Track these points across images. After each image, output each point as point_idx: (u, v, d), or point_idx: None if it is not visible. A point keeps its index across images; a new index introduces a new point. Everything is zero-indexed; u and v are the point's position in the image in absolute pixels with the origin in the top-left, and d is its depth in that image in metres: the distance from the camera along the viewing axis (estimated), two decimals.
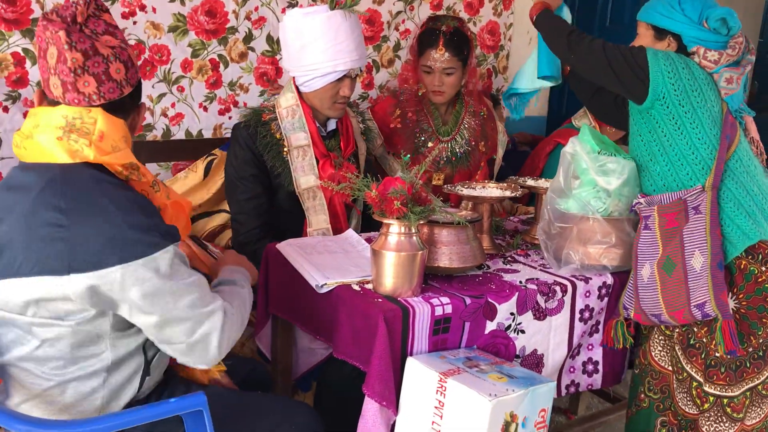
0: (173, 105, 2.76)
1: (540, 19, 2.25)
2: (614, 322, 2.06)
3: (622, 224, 2.02)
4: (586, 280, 2.01)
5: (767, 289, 1.90)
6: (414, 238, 1.74)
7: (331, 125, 2.45)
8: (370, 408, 1.71)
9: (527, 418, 1.63)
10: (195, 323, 1.41)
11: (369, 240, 2.16)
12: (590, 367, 2.13)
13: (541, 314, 1.92)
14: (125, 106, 1.44)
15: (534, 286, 1.91)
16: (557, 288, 1.94)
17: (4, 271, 1.33)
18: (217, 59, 2.83)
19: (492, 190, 2.25)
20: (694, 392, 2.01)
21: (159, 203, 1.49)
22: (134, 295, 1.33)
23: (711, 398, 1.96)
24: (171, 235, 1.40)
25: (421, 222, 1.76)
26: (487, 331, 1.84)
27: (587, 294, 2.01)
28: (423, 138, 2.80)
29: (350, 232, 2.23)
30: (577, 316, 2.01)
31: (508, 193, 2.21)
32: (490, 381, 1.62)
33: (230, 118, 2.89)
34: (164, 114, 2.75)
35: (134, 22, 2.61)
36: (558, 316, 1.96)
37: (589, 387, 2.15)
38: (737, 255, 1.91)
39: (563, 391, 2.10)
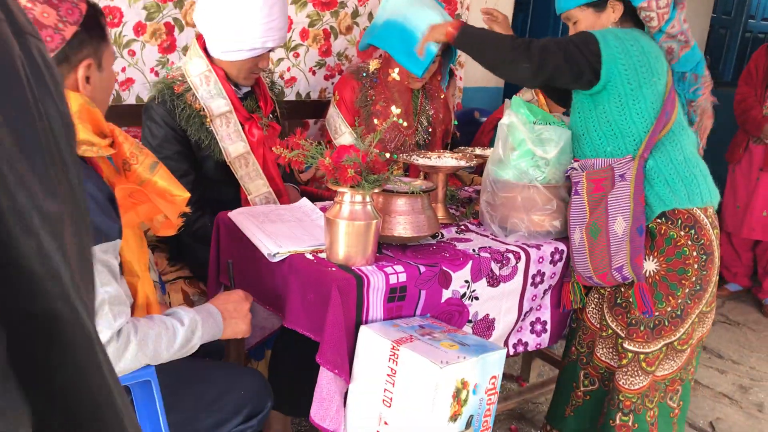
0: (123, 69, 2.66)
1: (465, 37, 2.07)
2: (570, 285, 2.09)
3: (559, 191, 2.04)
4: (538, 246, 2.01)
5: (685, 252, 1.96)
6: (368, 206, 1.71)
7: (246, 87, 2.33)
8: (325, 377, 1.69)
9: (478, 385, 1.63)
10: None
11: (323, 209, 2.12)
12: (538, 326, 2.14)
13: (495, 281, 1.92)
14: (71, 53, 1.30)
15: (487, 254, 1.90)
16: (510, 255, 1.94)
17: None
18: (172, 23, 2.74)
19: (447, 160, 2.22)
20: (619, 348, 2.07)
21: (123, 185, 1.39)
22: None
23: (630, 354, 2.02)
24: (101, 234, 1.28)
25: (376, 191, 1.73)
26: (443, 300, 1.83)
27: (540, 260, 2.01)
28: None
29: (304, 201, 2.18)
30: (530, 281, 2.01)
31: (463, 163, 2.20)
32: (442, 349, 1.61)
33: None
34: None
35: None
36: (511, 282, 1.96)
37: (538, 346, 2.16)
38: (653, 218, 1.97)
39: (511, 350, 2.10)
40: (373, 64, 2.67)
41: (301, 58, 3.15)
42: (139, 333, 1.35)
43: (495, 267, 1.90)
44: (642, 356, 2.02)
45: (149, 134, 2.20)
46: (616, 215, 1.92)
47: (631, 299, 2.00)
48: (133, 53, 2.66)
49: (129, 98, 2.70)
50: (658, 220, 1.97)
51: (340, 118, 2.62)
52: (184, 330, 1.45)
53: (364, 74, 2.66)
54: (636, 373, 2.03)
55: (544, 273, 2.04)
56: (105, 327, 1.30)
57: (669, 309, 1.99)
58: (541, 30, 5.39)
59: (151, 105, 2.21)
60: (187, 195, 1.51)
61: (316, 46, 3.17)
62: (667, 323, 2.00)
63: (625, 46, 1.91)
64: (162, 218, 1.53)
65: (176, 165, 2.17)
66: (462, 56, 3.82)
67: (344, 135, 2.63)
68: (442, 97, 2.85)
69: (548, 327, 2.15)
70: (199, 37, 2.25)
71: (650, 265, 1.99)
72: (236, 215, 1.99)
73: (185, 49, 2.77)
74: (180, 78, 2.22)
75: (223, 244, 2.05)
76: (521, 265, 1.96)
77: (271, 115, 2.40)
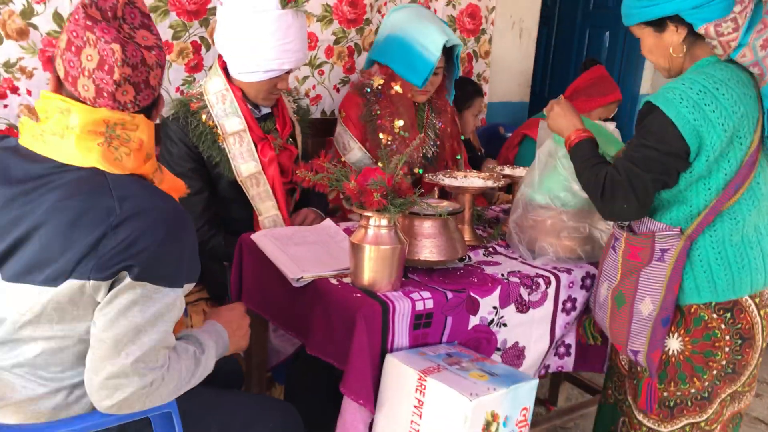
0: None
1: (573, 153, 1.83)
2: (584, 319, 1.97)
3: (592, 216, 1.93)
4: (569, 271, 1.92)
5: (716, 335, 1.73)
6: (394, 231, 1.64)
7: (266, 108, 2.30)
8: (348, 406, 1.62)
9: (509, 417, 1.55)
10: (122, 368, 1.22)
11: (348, 231, 2.06)
12: (562, 349, 2.04)
13: (524, 307, 1.83)
14: (152, 107, 1.34)
15: (516, 279, 1.82)
16: (540, 280, 1.85)
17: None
18: (199, 41, 2.70)
19: (474, 180, 2.15)
20: (630, 415, 1.89)
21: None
22: (118, 304, 1.21)
23: (644, 428, 1.86)
24: (194, 274, 1.32)
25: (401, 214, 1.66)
26: (470, 326, 1.75)
27: (570, 285, 1.92)
28: (392, 139, 2.58)
29: (328, 222, 2.12)
30: (560, 307, 1.92)
31: (490, 183, 2.12)
32: (471, 379, 1.53)
33: None
34: None
35: None
36: (540, 309, 1.87)
37: (560, 369, 2.06)
38: (684, 304, 1.74)
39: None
40: (377, 80, 2.64)
41: (326, 75, 3.10)
42: (171, 370, 1.30)
43: (524, 292, 1.82)
44: None
45: (166, 151, 2.20)
46: (645, 295, 1.72)
47: (638, 385, 1.84)
48: None
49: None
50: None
51: (348, 134, 2.59)
52: (204, 359, 1.41)
53: (368, 90, 2.63)
54: None
55: (575, 299, 1.95)
56: (149, 371, 1.24)
57: (693, 390, 1.78)
58: (565, 44, 5.30)
59: (167, 122, 2.21)
60: (183, 183, 1.49)
61: (341, 63, 3.12)
62: (690, 404, 1.79)
63: (704, 114, 1.57)
64: None
65: (190, 182, 2.13)
66: (486, 71, 3.76)
67: (353, 150, 2.60)
68: (450, 113, 2.80)
69: (572, 351, 2.05)
70: (221, 57, 2.23)
71: (674, 344, 1.77)
72: (259, 237, 1.94)
73: (211, 68, 2.73)
74: (198, 96, 2.22)
75: (246, 265, 1.99)
76: (551, 291, 1.88)
77: (290, 139, 2.35)
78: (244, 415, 1.57)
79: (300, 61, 2.18)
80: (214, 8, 2.68)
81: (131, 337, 1.21)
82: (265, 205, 2.23)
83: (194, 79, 2.71)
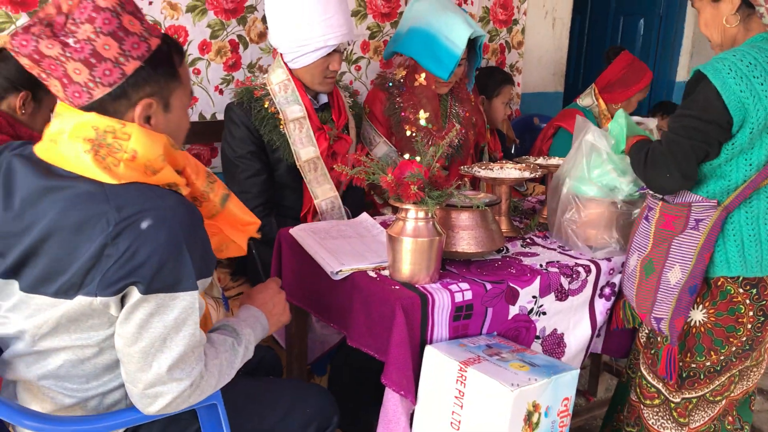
0: None
1: (630, 152, 1.80)
2: (622, 302, 1.92)
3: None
4: (608, 258, 1.87)
5: (740, 310, 1.71)
6: (431, 223, 1.62)
7: (323, 98, 2.34)
8: (390, 397, 1.60)
9: (550, 408, 1.51)
10: (158, 378, 1.20)
11: (384, 224, 2.04)
12: None
13: (563, 295, 1.79)
14: (131, 89, 1.20)
15: (556, 270, 1.77)
16: (580, 269, 1.81)
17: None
18: (237, 40, 2.70)
19: (510, 171, 2.10)
20: (644, 382, 1.87)
21: (205, 214, 1.33)
22: (136, 319, 1.17)
23: (662, 397, 1.84)
24: (207, 269, 1.24)
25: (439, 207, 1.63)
26: (510, 317, 1.72)
27: (611, 272, 1.87)
28: (417, 131, 2.55)
29: (365, 216, 2.10)
30: (598, 292, 1.88)
31: (526, 174, 2.07)
32: (511, 370, 1.50)
33: None
34: None
35: (150, 2, 2.48)
36: (579, 296, 1.83)
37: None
38: (712, 277, 1.72)
39: None
40: (399, 72, 2.61)
41: (363, 70, 3.08)
42: (209, 367, 1.28)
43: (564, 282, 1.78)
44: (672, 405, 1.82)
45: (228, 134, 2.25)
46: (675, 263, 1.69)
47: (656, 354, 1.81)
48: (198, 72, 2.64)
49: (192, 116, 2.67)
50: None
51: (373, 129, 2.59)
52: (242, 348, 1.39)
53: (390, 84, 2.61)
54: (667, 418, 1.84)
55: (614, 284, 1.90)
56: (186, 375, 1.22)
57: (708, 363, 1.76)
58: (599, 33, 5.19)
59: (231, 106, 2.26)
60: (258, 222, 1.45)
61: (377, 58, 3.09)
62: (702, 377, 1.78)
63: (752, 86, 1.53)
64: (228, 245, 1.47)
65: (249, 164, 2.21)
66: (519, 62, 3.69)
67: (379, 144, 2.58)
68: (472, 102, 2.76)
69: (602, 333, 1.99)
70: (275, 50, 2.29)
71: (697, 315, 1.75)
72: (298, 231, 1.93)
73: (250, 66, 2.73)
74: (261, 86, 2.27)
75: (285, 259, 1.98)
76: (591, 278, 1.83)
77: (345, 129, 2.37)
78: (282, 403, 1.57)
79: (345, 37, 2.20)
80: (252, 6, 2.68)
81: (158, 347, 1.18)
82: (323, 188, 2.27)
83: (233, 77, 2.71)
